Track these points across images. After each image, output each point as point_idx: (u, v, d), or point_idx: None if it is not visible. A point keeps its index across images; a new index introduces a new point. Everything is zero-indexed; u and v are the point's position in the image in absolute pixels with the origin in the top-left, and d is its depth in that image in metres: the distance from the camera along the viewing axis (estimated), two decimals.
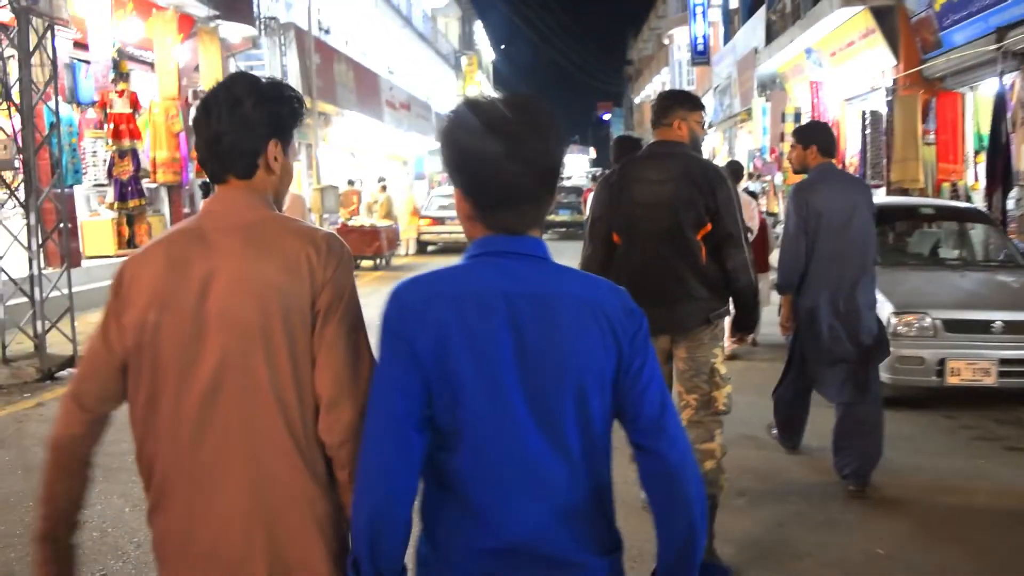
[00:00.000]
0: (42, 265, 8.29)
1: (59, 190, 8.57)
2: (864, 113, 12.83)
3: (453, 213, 21.10)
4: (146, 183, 13.72)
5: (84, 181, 12.01)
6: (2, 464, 5.35)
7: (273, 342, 1.62)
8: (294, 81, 16.38)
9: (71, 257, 8.41)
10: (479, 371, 1.46)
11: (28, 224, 7.93)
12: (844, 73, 14.42)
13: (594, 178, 17.60)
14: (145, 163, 11.22)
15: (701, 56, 27.99)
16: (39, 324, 7.94)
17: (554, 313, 1.48)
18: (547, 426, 1.49)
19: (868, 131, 12.51)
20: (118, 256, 12.40)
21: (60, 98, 10.92)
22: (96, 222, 12.50)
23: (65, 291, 9.21)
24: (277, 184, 1.78)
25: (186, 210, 13.87)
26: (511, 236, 1.52)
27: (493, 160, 1.46)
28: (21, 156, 7.95)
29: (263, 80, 1.75)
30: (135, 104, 11.04)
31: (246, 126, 1.68)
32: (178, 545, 1.70)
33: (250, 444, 1.64)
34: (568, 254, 14.29)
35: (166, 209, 14.32)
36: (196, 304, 1.62)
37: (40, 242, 8.00)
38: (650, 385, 1.54)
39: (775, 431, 5.52)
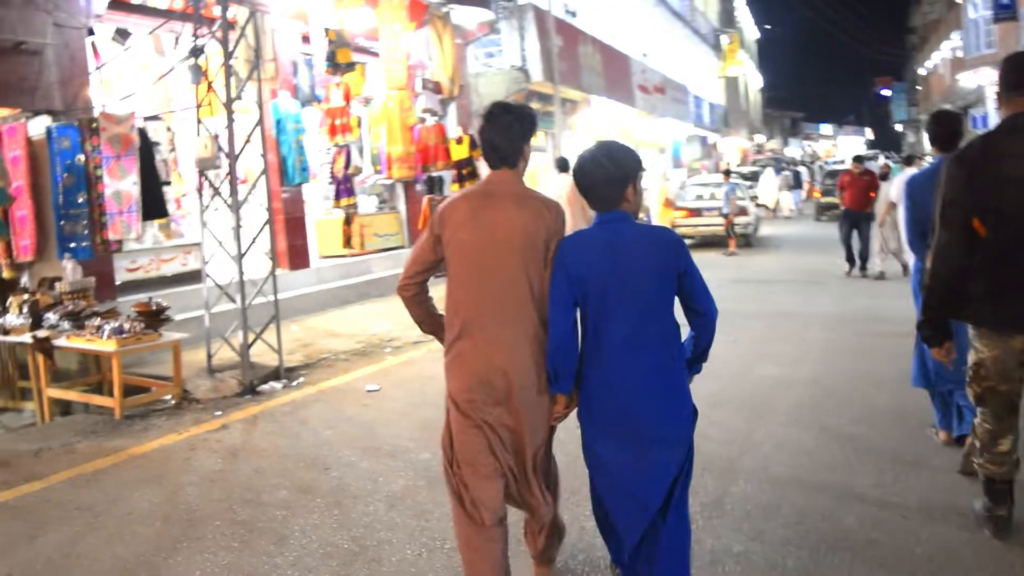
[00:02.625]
0: (247, 269, 7.75)
1: (271, 190, 8.07)
2: None
3: (712, 204, 19.25)
4: (381, 179, 13.35)
5: (312, 180, 11.77)
6: (146, 509, 4.62)
7: (522, 254, 3.06)
8: (534, 66, 15.41)
9: (275, 261, 7.81)
10: (599, 278, 2.94)
11: (233, 227, 7.41)
12: None
13: (857, 159, 14.06)
14: (357, 160, 10.62)
15: (1006, 10, 23.66)
16: (244, 333, 7.42)
17: (633, 245, 2.95)
18: (633, 306, 2.92)
19: None
20: (348, 256, 12.01)
21: (287, 93, 10.67)
22: (330, 221, 12.19)
23: (288, 294, 8.75)
24: (524, 168, 3.25)
25: (422, 206, 13.18)
26: (612, 211, 3.02)
27: (588, 176, 3.04)
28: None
29: (515, 105, 3.26)
30: (347, 97, 10.46)
31: (514, 139, 3.14)
32: (468, 357, 3.10)
33: (519, 310, 3.07)
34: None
35: (402, 206, 13.86)
36: (484, 232, 3.08)
37: (243, 247, 7.44)
38: (694, 280, 2.97)
39: None
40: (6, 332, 7.26)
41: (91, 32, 8.63)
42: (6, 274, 7.94)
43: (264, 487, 4.87)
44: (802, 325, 9.01)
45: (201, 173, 7.55)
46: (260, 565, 3.86)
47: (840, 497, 4.30)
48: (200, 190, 7.62)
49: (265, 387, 7.35)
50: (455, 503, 3.17)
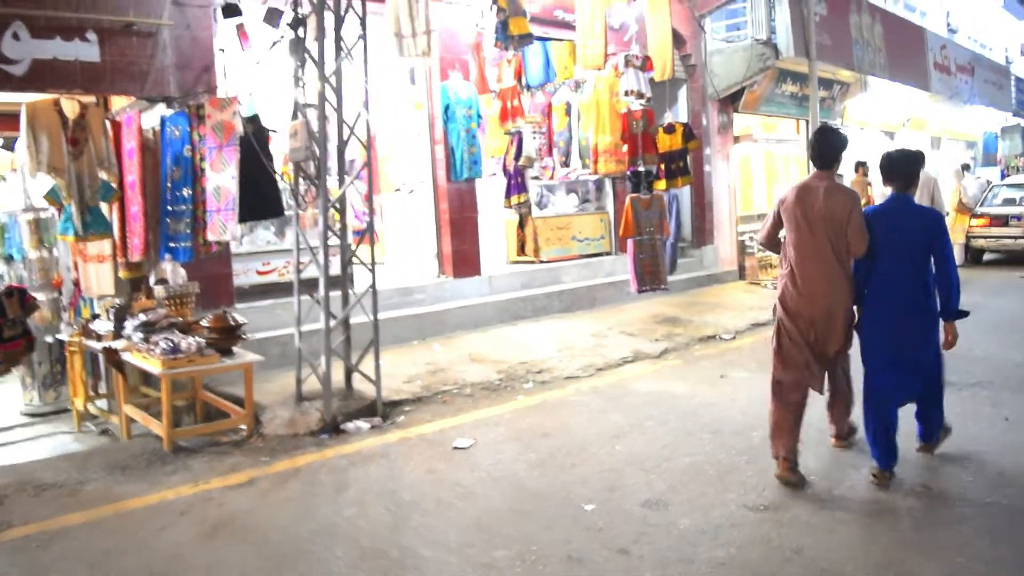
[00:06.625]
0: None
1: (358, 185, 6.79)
2: None
3: (1021, 211, 15.35)
4: (585, 174, 11.72)
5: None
6: None
7: (826, 227, 4.60)
8: (782, 38, 12.85)
9: (375, 270, 6.49)
10: (886, 238, 4.62)
11: (320, 229, 6.21)
12: None
13: None
14: (529, 149, 8.97)
15: None
16: (327, 359, 6.21)
17: (908, 219, 4.66)
18: (906, 258, 4.60)
19: None
20: (522, 263, 10.49)
21: (459, 75, 9.35)
22: (514, 221, 10.75)
23: (444, 307, 7.39)
24: (836, 168, 4.81)
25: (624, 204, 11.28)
26: (899, 193, 4.77)
27: (902, 167, 4.82)
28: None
29: (835, 128, 5.00)
30: (519, 74, 8.90)
31: (835, 152, 4.78)
32: (795, 294, 4.70)
33: (825, 259, 4.63)
34: None
35: (610, 205, 12.09)
36: (807, 210, 4.65)
37: (325, 253, 6.22)
38: (940, 254, 4.60)
39: None
40: (99, 338, 6.64)
41: (237, 11, 7.78)
42: (122, 274, 7.36)
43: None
44: None
45: (297, 166, 6.43)
46: None
47: None
48: (296, 187, 6.50)
49: (350, 425, 6.07)
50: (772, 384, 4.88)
